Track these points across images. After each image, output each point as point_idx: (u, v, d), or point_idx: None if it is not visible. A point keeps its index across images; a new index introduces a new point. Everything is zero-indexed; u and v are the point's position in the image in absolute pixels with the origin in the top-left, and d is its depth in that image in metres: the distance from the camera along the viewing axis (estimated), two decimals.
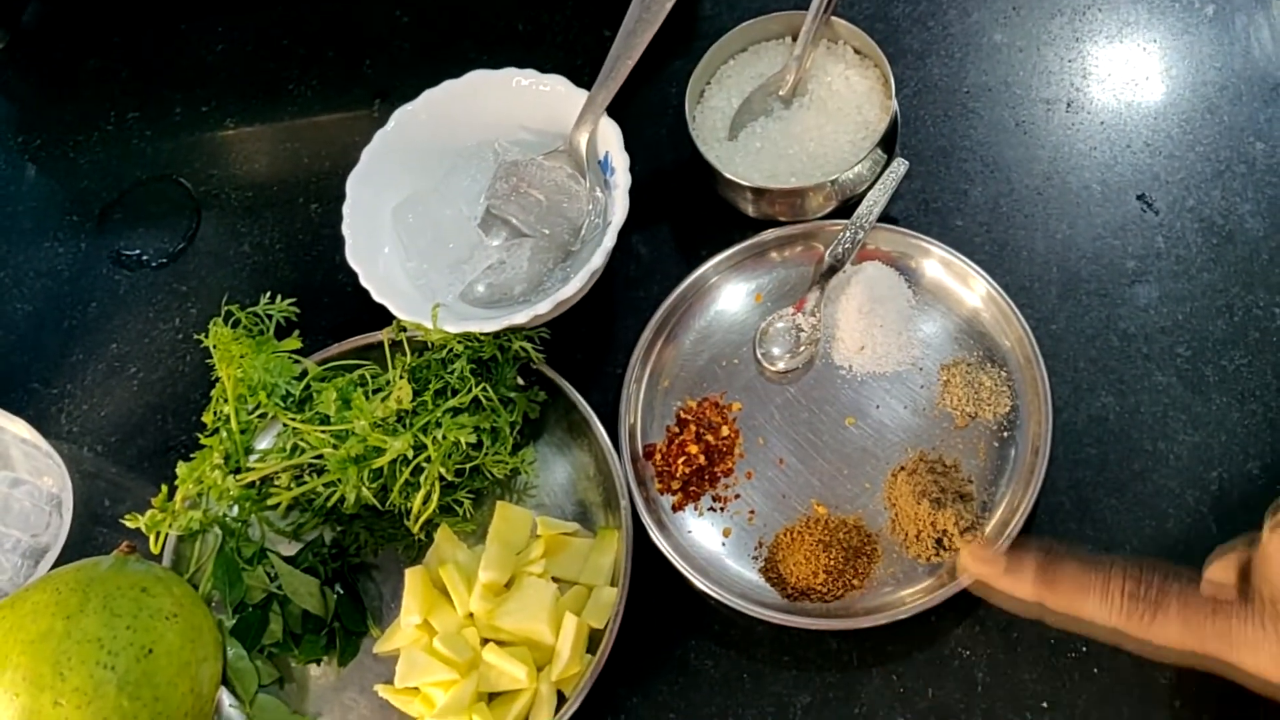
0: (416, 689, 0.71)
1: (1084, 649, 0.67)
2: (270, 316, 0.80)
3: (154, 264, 0.90)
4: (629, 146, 0.78)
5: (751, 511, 0.73)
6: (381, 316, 0.77)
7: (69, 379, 0.87)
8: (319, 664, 0.75)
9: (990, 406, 0.72)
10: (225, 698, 0.74)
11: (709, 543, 0.73)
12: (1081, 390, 0.73)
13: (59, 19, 1.03)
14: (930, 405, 0.73)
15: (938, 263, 0.76)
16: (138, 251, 0.91)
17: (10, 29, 1.03)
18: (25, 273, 0.91)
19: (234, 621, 0.74)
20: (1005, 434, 0.71)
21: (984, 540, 0.67)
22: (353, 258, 0.77)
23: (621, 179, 0.76)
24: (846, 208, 0.78)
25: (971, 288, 0.75)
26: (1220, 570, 0.60)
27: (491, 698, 0.71)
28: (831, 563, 0.69)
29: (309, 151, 0.92)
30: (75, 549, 0.81)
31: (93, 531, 0.82)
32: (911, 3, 0.87)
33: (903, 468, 0.71)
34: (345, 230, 0.78)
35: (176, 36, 0.99)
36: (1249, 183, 0.77)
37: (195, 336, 0.82)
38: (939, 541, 0.68)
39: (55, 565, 0.79)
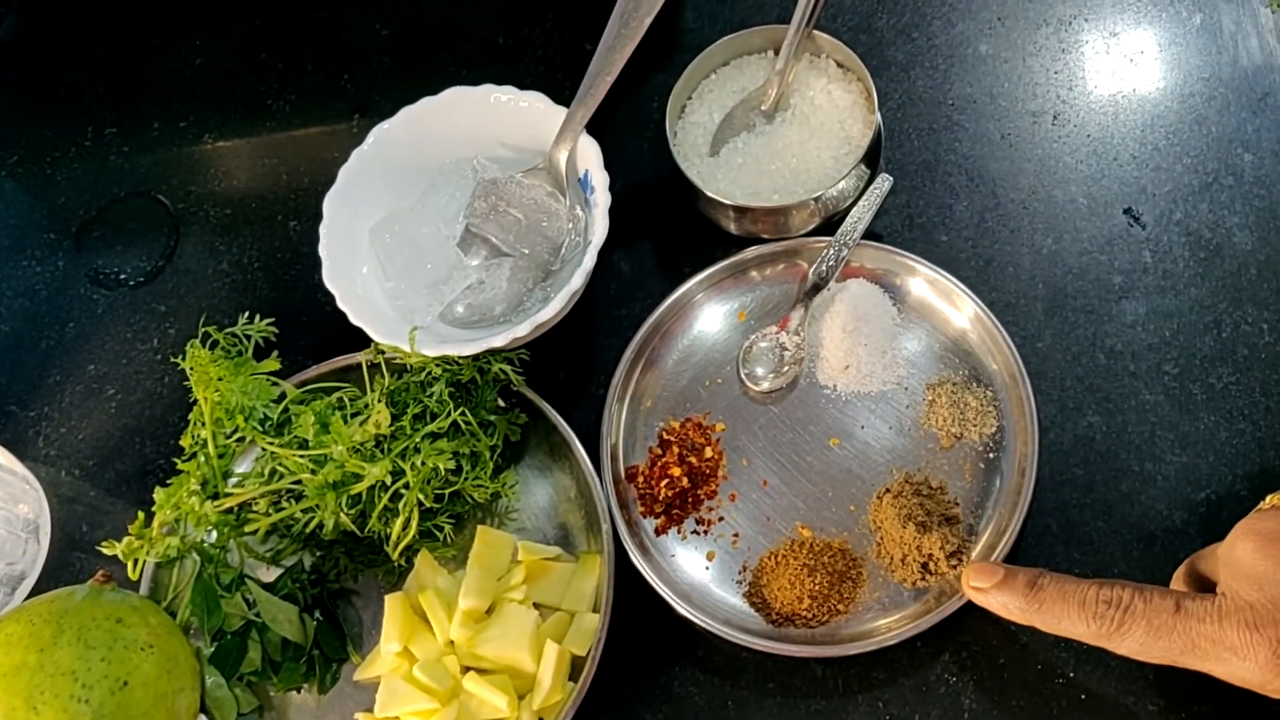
0: (397, 718, 0.70)
1: (1071, 674, 0.66)
2: (249, 337, 0.79)
3: (132, 283, 0.89)
4: (610, 162, 0.76)
5: (735, 535, 0.72)
6: (361, 336, 0.76)
7: (46, 401, 0.86)
8: (299, 691, 0.74)
9: (976, 427, 0.71)
10: None
11: (692, 567, 0.72)
12: (1068, 410, 0.72)
13: (35, 33, 1.01)
14: (915, 426, 0.72)
15: (923, 281, 0.76)
16: (116, 270, 0.90)
17: None
18: (2, 292, 0.90)
19: (212, 649, 0.73)
20: (991, 455, 0.71)
21: (979, 564, 0.66)
22: (330, 279, 0.76)
23: (601, 198, 0.75)
24: (830, 224, 0.77)
25: (957, 306, 0.74)
26: (1179, 581, 0.64)
27: None
28: (816, 587, 0.68)
29: (288, 167, 0.91)
30: (53, 575, 0.80)
31: (70, 557, 0.81)
32: (896, 15, 0.86)
33: (888, 490, 0.70)
34: (322, 251, 0.77)
35: (154, 51, 0.98)
36: (1237, 195, 0.76)
37: (173, 359, 0.81)
38: (925, 566, 0.67)
39: (33, 591, 0.79)
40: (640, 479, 0.75)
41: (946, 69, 0.84)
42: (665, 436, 0.76)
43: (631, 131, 0.86)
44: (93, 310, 0.89)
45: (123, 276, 0.90)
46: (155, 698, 0.67)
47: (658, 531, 0.73)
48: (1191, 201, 0.77)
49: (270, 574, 0.76)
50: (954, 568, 0.67)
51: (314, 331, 0.84)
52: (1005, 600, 0.62)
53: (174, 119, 0.95)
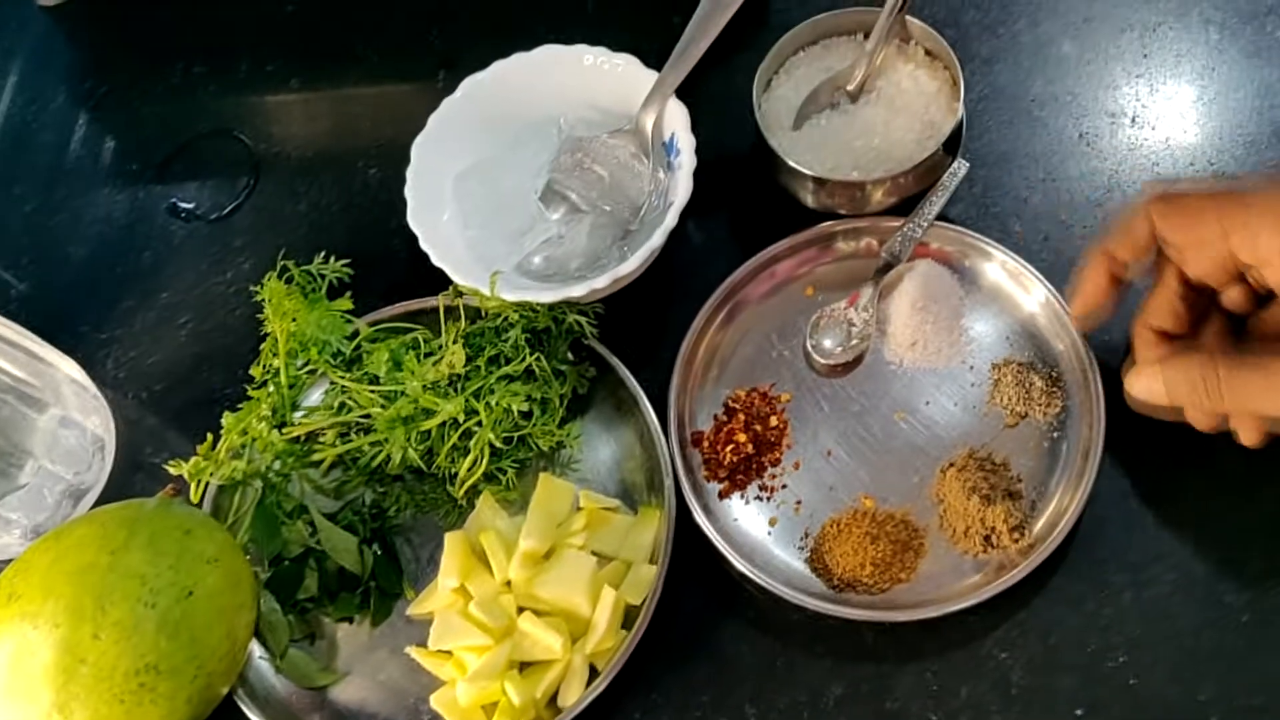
0: (449, 652, 0.71)
1: (1122, 659, 0.67)
2: (324, 276, 0.80)
3: (210, 217, 0.91)
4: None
5: (799, 501, 0.73)
6: (433, 283, 0.78)
7: (119, 325, 0.87)
8: (351, 622, 0.75)
9: (1041, 407, 0.72)
10: (256, 649, 0.74)
11: (754, 530, 0.73)
12: None
13: None
14: (981, 403, 0.73)
15: (995, 264, 0.77)
16: (194, 204, 0.92)
17: None
18: (82, 217, 0.92)
19: (270, 574, 0.75)
20: (1055, 435, 0.71)
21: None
22: (414, 221, 0.78)
23: (687, 160, 0.76)
24: (906, 205, 0.78)
25: (1027, 290, 0.75)
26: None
27: (523, 667, 0.71)
28: (879, 555, 0.69)
29: (371, 117, 0.93)
30: (114, 493, 0.81)
31: (132, 478, 0.82)
32: (982, 10, 0.88)
33: (952, 464, 0.71)
34: (408, 193, 0.79)
35: None
36: None
37: (251, 289, 0.82)
38: (987, 538, 0.68)
39: (94, 508, 0.80)
40: (705, 444, 0.75)
41: (1030, 66, 0.85)
42: (731, 404, 0.76)
43: (712, 107, 0.87)
44: (170, 240, 0.90)
45: (201, 211, 0.91)
46: (218, 611, 0.68)
47: (721, 495, 0.74)
48: None
49: (330, 508, 0.77)
50: (1016, 541, 0.68)
51: (386, 276, 0.85)
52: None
53: (262, 62, 0.96)
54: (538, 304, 0.75)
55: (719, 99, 0.87)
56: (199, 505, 0.76)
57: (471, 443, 0.72)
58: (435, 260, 0.76)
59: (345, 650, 0.75)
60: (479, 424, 0.72)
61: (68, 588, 0.64)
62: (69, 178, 0.94)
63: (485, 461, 0.72)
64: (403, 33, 0.96)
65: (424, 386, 0.73)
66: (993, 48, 0.86)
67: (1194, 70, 0.83)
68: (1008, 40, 0.86)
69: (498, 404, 0.71)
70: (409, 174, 0.79)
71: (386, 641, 0.74)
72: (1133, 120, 0.82)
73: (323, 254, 0.81)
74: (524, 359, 0.73)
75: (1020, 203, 0.80)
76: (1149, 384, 0.65)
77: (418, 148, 0.80)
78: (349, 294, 0.79)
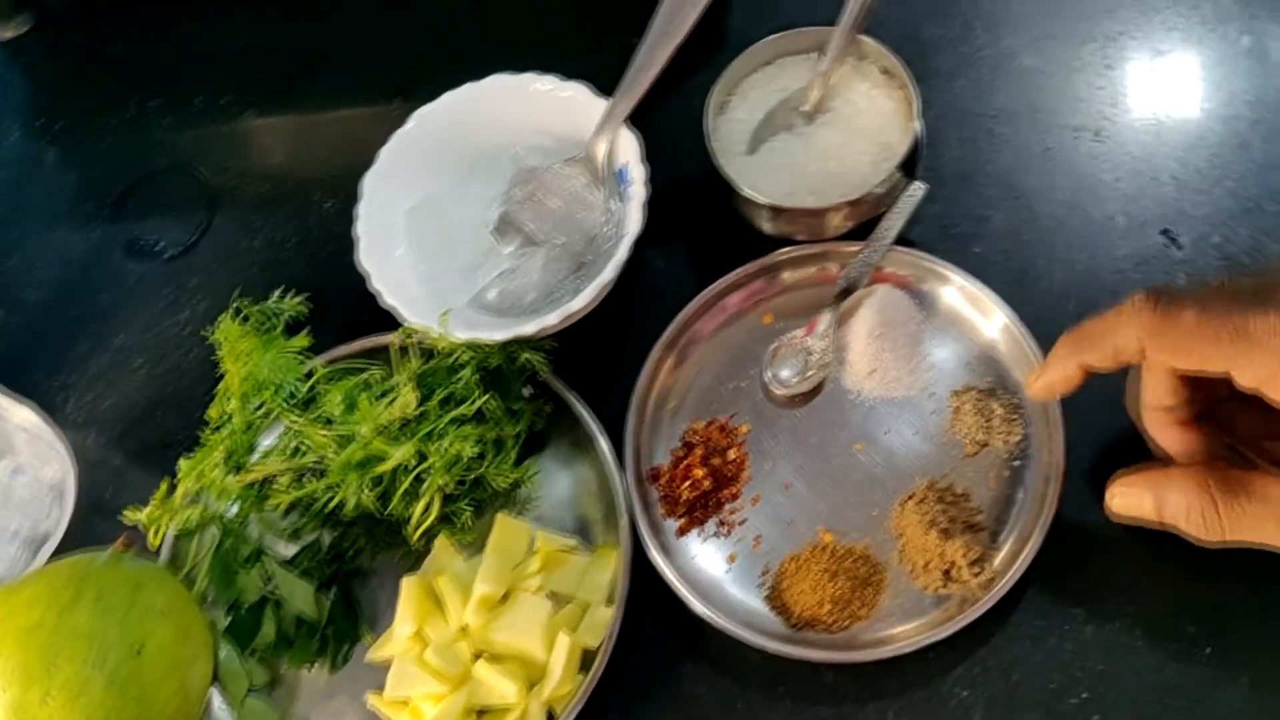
0: (406, 700, 0.70)
1: (1084, 695, 0.65)
2: (280, 314, 0.79)
3: (166, 255, 0.90)
4: (648, 158, 0.77)
5: (757, 537, 0.72)
6: (391, 318, 0.77)
7: (75, 368, 0.87)
8: (310, 668, 0.74)
9: (1001, 435, 0.71)
10: (215, 699, 0.73)
11: (713, 568, 0.71)
12: (1094, 423, 0.71)
13: (85, 2, 1.02)
14: (940, 432, 0.72)
15: (953, 289, 0.75)
16: (151, 241, 0.91)
17: (37, 11, 1.03)
18: (37, 259, 0.91)
19: (228, 622, 0.74)
20: (1016, 463, 0.70)
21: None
22: (365, 259, 0.77)
23: (639, 190, 0.75)
24: (865, 229, 0.77)
25: (986, 315, 0.74)
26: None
27: (481, 713, 0.70)
28: (838, 592, 0.68)
29: (326, 147, 0.92)
30: (75, 539, 0.80)
31: (93, 522, 0.81)
32: (943, 26, 0.86)
33: (911, 496, 0.70)
34: (360, 229, 0.78)
35: (201, 25, 0.99)
36: (1278, 221, 0.76)
37: (203, 332, 0.81)
38: (947, 572, 0.67)
39: (54, 554, 0.79)
40: (663, 480, 0.74)
41: (991, 80, 0.83)
42: (689, 438, 0.75)
43: (671, 129, 0.85)
44: (125, 281, 0.90)
45: (157, 249, 0.91)
46: (168, 665, 0.67)
47: (679, 533, 0.73)
48: (1231, 225, 0.76)
49: (289, 550, 0.77)
50: (976, 575, 0.66)
51: (344, 312, 0.84)
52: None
53: (217, 94, 0.96)
54: (489, 342, 0.74)
55: (676, 121, 0.86)
56: (158, 552, 0.76)
57: (423, 488, 0.71)
58: (386, 299, 0.75)
59: (304, 696, 0.74)
60: (431, 469, 0.71)
61: (17, 648, 0.64)
62: (24, 218, 0.94)
63: (437, 506, 0.71)
64: (357, 62, 0.95)
65: (377, 429, 0.72)
66: (953, 63, 0.84)
67: (1157, 82, 0.81)
68: (969, 55, 0.85)
69: (449, 448, 0.70)
70: (360, 210, 0.78)
71: (345, 688, 0.74)
72: (1095, 134, 0.80)
73: (279, 290, 0.80)
74: (475, 400, 0.72)
75: (980, 221, 0.79)
76: (1136, 503, 0.62)
77: (368, 182, 0.79)
78: (307, 330, 0.78)
